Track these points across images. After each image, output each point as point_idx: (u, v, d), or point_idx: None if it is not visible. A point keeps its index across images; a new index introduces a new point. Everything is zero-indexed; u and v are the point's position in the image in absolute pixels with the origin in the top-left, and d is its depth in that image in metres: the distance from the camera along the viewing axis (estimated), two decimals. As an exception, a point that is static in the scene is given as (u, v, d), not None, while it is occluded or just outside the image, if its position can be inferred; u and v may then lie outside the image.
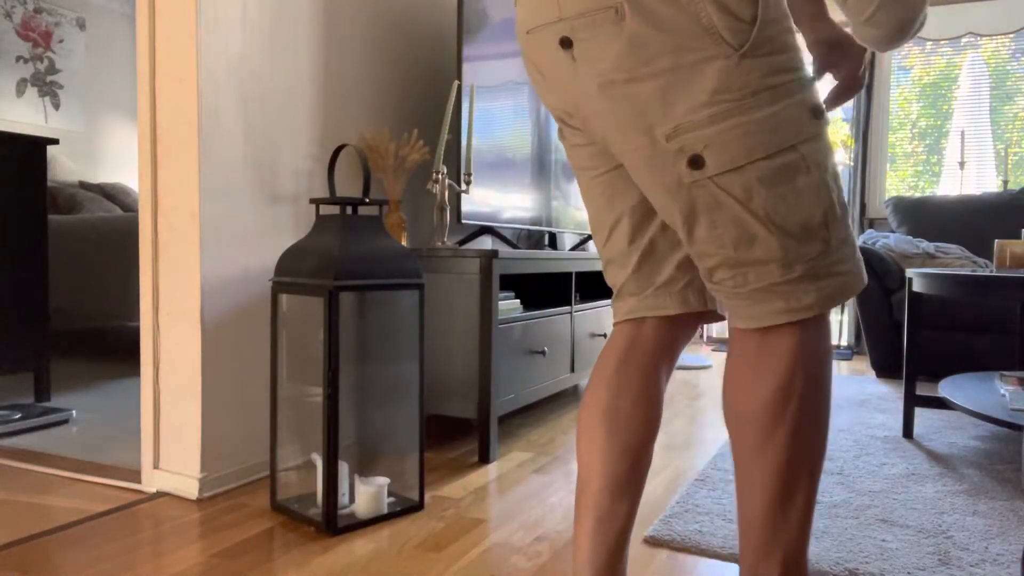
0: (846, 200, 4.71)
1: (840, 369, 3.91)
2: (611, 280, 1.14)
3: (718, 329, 4.88)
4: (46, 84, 4.44)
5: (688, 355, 4.08)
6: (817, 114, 0.93)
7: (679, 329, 1.12)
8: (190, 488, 1.75)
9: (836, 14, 4.45)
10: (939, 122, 4.44)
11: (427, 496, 1.80)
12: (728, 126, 0.90)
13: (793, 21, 1.10)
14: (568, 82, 0.98)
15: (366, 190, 1.64)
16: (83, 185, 4.33)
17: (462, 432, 2.45)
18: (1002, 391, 2.28)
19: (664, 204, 0.99)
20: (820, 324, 0.98)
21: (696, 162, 0.92)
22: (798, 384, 0.96)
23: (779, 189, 0.92)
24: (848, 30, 1.10)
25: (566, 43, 0.96)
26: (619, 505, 1.07)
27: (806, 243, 0.93)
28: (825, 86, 4.33)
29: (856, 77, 1.12)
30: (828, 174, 0.94)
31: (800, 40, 1.00)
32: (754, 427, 0.98)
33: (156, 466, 1.81)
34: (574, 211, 3.23)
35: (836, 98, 1.13)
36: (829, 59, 1.13)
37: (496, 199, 2.60)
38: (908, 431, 2.42)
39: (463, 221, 2.40)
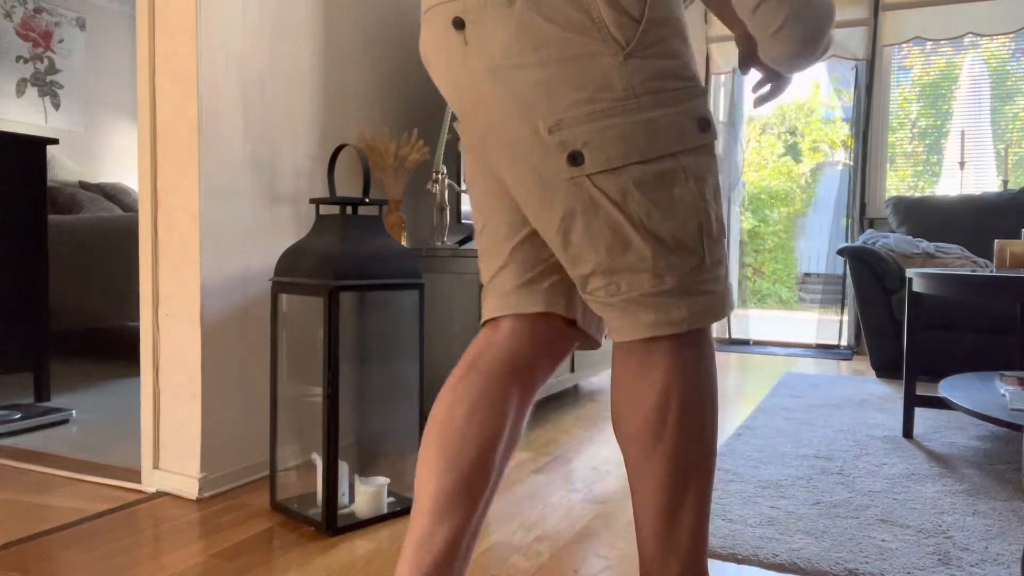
0: (848, 200, 4.61)
1: (840, 369, 3.91)
2: (482, 274, 1.09)
3: (717, 329, 4.88)
4: (46, 84, 4.44)
5: (688, 355, 4.07)
6: (704, 127, 0.92)
7: (541, 339, 1.04)
8: (190, 488, 1.75)
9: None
10: (939, 122, 4.44)
11: (427, 496, 1.80)
12: (608, 125, 0.88)
13: (722, 17, 1.15)
14: (459, 65, 0.95)
15: (366, 190, 1.64)
16: (83, 185, 4.33)
17: (462, 432, 2.45)
18: (1002, 391, 2.28)
19: (540, 205, 0.95)
20: (698, 340, 0.96)
21: (575, 159, 0.90)
22: (675, 402, 0.94)
23: (654, 195, 0.90)
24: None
25: (459, 24, 0.93)
26: (439, 528, 0.94)
27: (679, 254, 0.92)
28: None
29: (780, 80, 1.11)
30: (708, 188, 0.92)
31: (699, 48, 1.00)
32: (635, 444, 0.96)
33: (156, 466, 1.81)
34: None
35: (764, 95, 1.13)
36: (756, 55, 1.13)
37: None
38: (908, 431, 2.42)
39: (463, 221, 2.40)
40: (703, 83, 0.98)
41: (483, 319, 1.07)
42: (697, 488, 0.96)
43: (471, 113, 0.97)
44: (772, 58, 0.93)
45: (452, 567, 0.94)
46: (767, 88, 1.13)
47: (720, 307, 0.95)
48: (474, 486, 0.96)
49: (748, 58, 1.15)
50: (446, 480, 0.95)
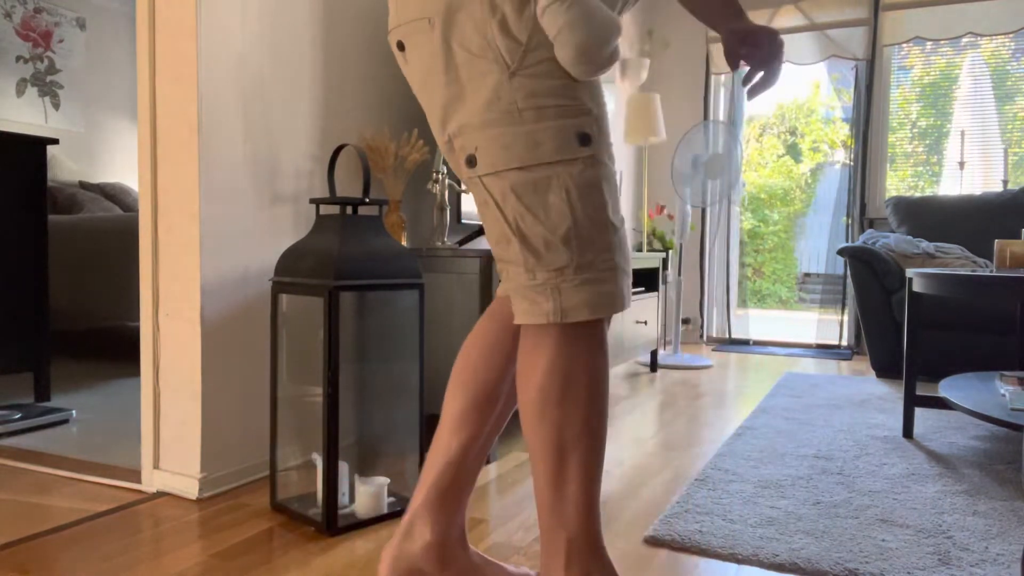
0: (848, 200, 4.62)
1: (840, 369, 3.91)
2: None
3: (717, 329, 4.88)
4: (46, 84, 4.44)
5: (688, 355, 4.08)
6: (584, 141, 1.04)
7: None
8: (190, 488, 1.75)
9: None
10: (939, 122, 4.44)
11: (427, 496, 1.80)
12: (494, 133, 1.03)
13: (700, 18, 1.28)
14: (409, 78, 1.14)
15: (366, 190, 1.64)
16: (83, 185, 4.33)
17: (462, 432, 2.45)
18: (1002, 391, 2.28)
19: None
20: (586, 328, 1.07)
21: (471, 161, 1.06)
22: (556, 382, 1.06)
23: (528, 200, 1.04)
24: (748, 25, 1.22)
25: (400, 46, 1.12)
26: (454, 438, 1.20)
27: (548, 255, 1.04)
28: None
29: (769, 68, 1.20)
30: (581, 196, 1.04)
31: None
32: (525, 418, 1.09)
33: (156, 466, 1.81)
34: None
35: (753, 89, 1.22)
36: (740, 50, 1.22)
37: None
38: (908, 431, 2.42)
39: (463, 221, 2.40)
40: (590, 103, 1.07)
41: (497, 293, 1.27)
42: (579, 462, 1.07)
43: (429, 120, 1.14)
44: (560, 60, 1.03)
45: (463, 467, 1.20)
46: (757, 79, 1.22)
47: (597, 304, 1.05)
48: (483, 407, 1.20)
49: (730, 54, 1.23)
50: (461, 402, 1.20)
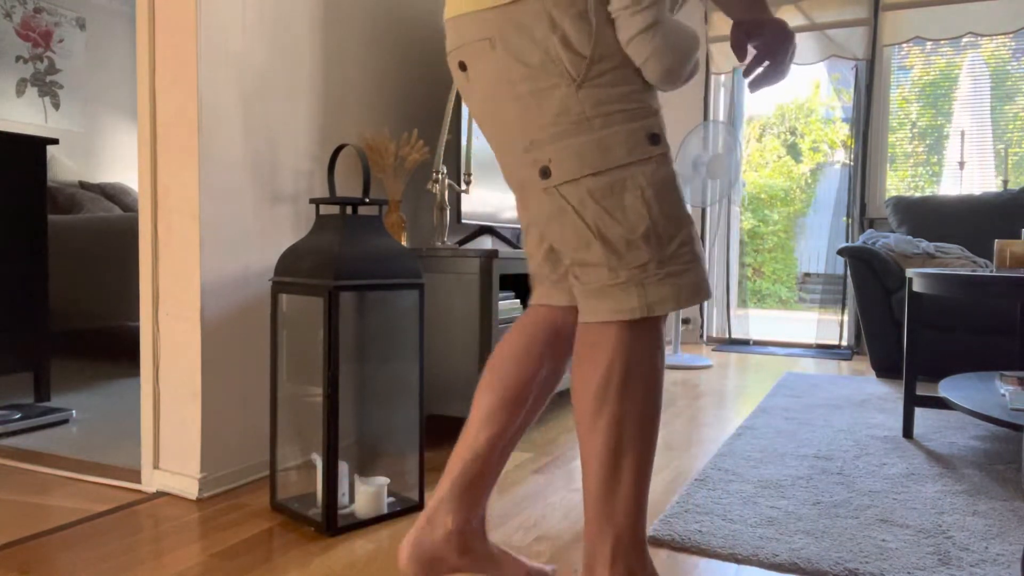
0: (848, 200, 4.63)
1: (840, 369, 3.91)
2: (529, 266, 1.32)
3: (717, 329, 4.88)
4: (46, 84, 4.44)
5: (688, 355, 4.08)
6: (654, 141, 1.09)
7: (568, 321, 1.29)
8: (190, 488, 1.75)
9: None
10: (939, 122, 4.44)
11: (427, 496, 1.80)
12: (566, 144, 1.08)
13: (726, 6, 1.28)
14: (469, 97, 1.19)
15: (366, 190, 1.64)
16: (83, 185, 4.33)
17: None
18: (1002, 391, 2.28)
19: (533, 212, 1.17)
20: (645, 326, 1.11)
21: (545, 172, 1.10)
22: (616, 380, 1.09)
23: (605, 203, 1.08)
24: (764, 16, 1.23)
25: (462, 66, 1.17)
26: (481, 432, 1.25)
27: (630, 253, 1.08)
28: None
29: (774, 61, 1.21)
30: (656, 194, 1.08)
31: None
32: (582, 414, 1.12)
33: (156, 466, 1.81)
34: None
35: (759, 80, 1.23)
36: (748, 42, 1.24)
37: (496, 199, 2.60)
38: (908, 431, 2.42)
39: (463, 221, 2.40)
40: (656, 104, 1.12)
41: (531, 303, 1.33)
42: (634, 460, 1.10)
43: (486, 136, 1.20)
44: (648, 80, 1.10)
45: (489, 461, 1.25)
46: (761, 70, 1.23)
47: (681, 296, 1.09)
48: (511, 406, 1.25)
49: (738, 45, 1.25)
50: (491, 400, 1.25)
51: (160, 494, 1.77)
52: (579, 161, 1.08)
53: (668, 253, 1.09)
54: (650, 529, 1.59)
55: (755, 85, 1.23)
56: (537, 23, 1.07)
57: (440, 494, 1.25)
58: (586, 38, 1.06)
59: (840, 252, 3.65)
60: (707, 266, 1.12)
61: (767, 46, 1.21)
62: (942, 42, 4.34)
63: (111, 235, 3.18)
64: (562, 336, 1.28)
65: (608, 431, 1.10)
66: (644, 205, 1.08)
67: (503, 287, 2.73)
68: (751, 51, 1.28)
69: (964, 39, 4.28)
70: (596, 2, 1.07)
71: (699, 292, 1.11)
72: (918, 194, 4.36)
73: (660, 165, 1.09)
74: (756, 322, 5.14)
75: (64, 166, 4.34)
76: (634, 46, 1.07)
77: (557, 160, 1.09)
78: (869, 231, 3.94)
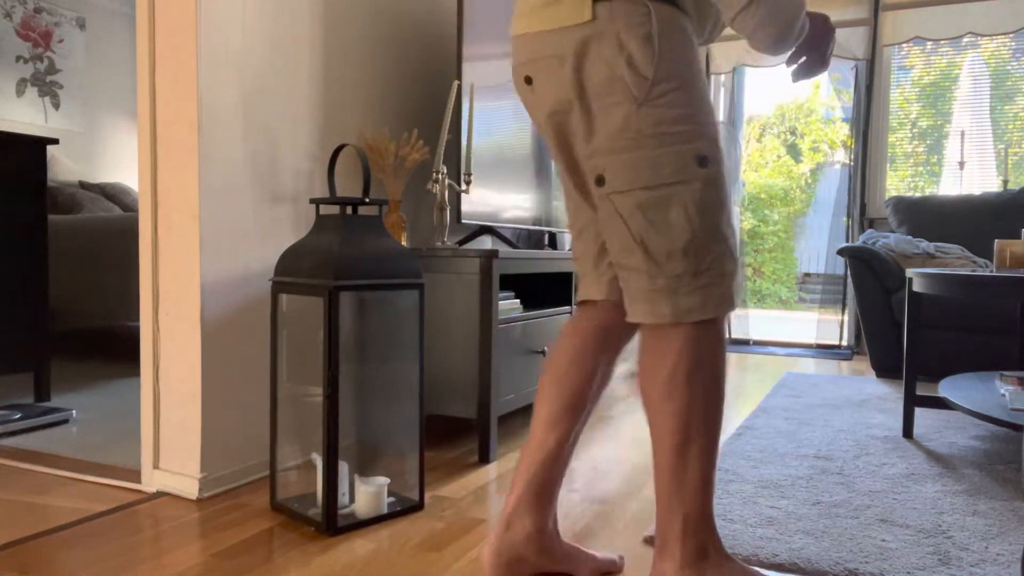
0: (848, 200, 4.62)
1: (840, 369, 3.91)
2: (578, 268, 1.41)
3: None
4: (46, 84, 4.44)
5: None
6: (702, 163, 1.17)
7: (617, 317, 1.36)
8: (190, 488, 1.75)
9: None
10: (939, 122, 4.44)
11: (427, 496, 1.80)
12: (623, 158, 1.17)
13: None
14: (533, 109, 1.29)
15: (366, 190, 1.64)
16: (83, 185, 4.33)
17: (462, 432, 2.45)
18: (1002, 391, 2.28)
19: (578, 215, 1.34)
20: (706, 328, 1.20)
21: (600, 180, 1.21)
22: (682, 373, 1.19)
23: (651, 215, 1.17)
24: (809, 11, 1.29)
25: (528, 80, 1.26)
26: (550, 435, 1.33)
27: (667, 264, 1.18)
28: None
29: (818, 52, 1.28)
30: (699, 212, 1.17)
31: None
32: (651, 405, 1.22)
33: (156, 466, 1.81)
34: (574, 211, 3.23)
35: (801, 71, 1.31)
36: None
37: (496, 199, 2.60)
38: (908, 431, 2.42)
39: (463, 221, 2.40)
40: (713, 116, 1.21)
41: (578, 300, 1.41)
42: (701, 444, 1.20)
43: (550, 145, 1.31)
44: (756, 50, 1.15)
45: (558, 461, 1.34)
46: (803, 61, 1.30)
47: (707, 307, 1.18)
48: (574, 408, 1.34)
49: None
50: (555, 405, 1.33)
51: (160, 494, 1.77)
52: (632, 175, 1.17)
53: (703, 267, 1.17)
54: (650, 529, 1.59)
55: (797, 75, 1.30)
56: (606, 44, 1.15)
57: (513, 499, 1.32)
58: (649, 61, 1.14)
59: (840, 252, 3.65)
60: (741, 279, 1.19)
61: (809, 39, 1.27)
62: (942, 42, 4.34)
63: (111, 235, 3.18)
64: (612, 334, 1.36)
65: (677, 420, 1.19)
66: (687, 221, 1.16)
67: (503, 287, 2.73)
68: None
69: (964, 39, 4.28)
70: (660, 27, 1.15)
71: (725, 304, 1.19)
72: (918, 194, 4.36)
73: (706, 185, 1.17)
74: (756, 322, 5.14)
75: (64, 166, 4.34)
76: (739, 22, 1.11)
77: (612, 171, 1.19)
78: (869, 231, 3.94)
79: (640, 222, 1.18)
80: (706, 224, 1.17)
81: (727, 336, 4.85)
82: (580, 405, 1.34)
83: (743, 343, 4.80)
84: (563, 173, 1.33)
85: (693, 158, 1.16)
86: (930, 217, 3.98)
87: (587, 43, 1.17)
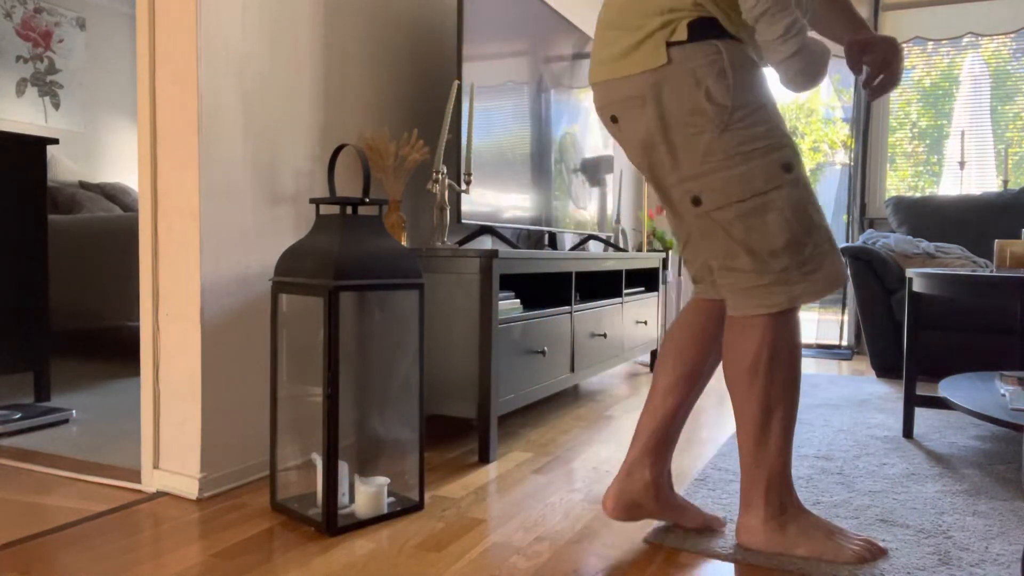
0: (848, 200, 4.63)
1: (840, 369, 3.91)
2: (689, 271, 1.60)
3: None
4: (46, 84, 4.44)
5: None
6: (788, 169, 1.33)
7: (721, 311, 1.56)
8: (190, 488, 1.75)
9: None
10: (939, 122, 4.44)
11: (427, 496, 1.80)
12: (715, 178, 1.33)
13: (832, 32, 1.58)
14: (622, 143, 1.46)
15: (366, 190, 1.64)
16: (83, 185, 4.33)
17: (462, 432, 2.45)
18: (1002, 391, 2.28)
19: (680, 229, 1.51)
20: (785, 316, 1.38)
21: (696, 201, 1.37)
22: (763, 360, 1.38)
23: (751, 222, 1.34)
24: (870, 36, 1.50)
25: (614, 119, 1.43)
26: (668, 399, 1.54)
27: (773, 261, 1.34)
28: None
29: (889, 71, 1.47)
30: (793, 212, 1.33)
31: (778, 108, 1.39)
32: (736, 388, 1.42)
33: (156, 466, 1.81)
34: (574, 211, 3.23)
35: (879, 89, 1.49)
36: (862, 57, 1.48)
37: (496, 199, 2.60)
38: (908, 431, 2.42)
39: (463, 221, 2.40)
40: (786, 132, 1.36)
41: (692, 296, 1.60)
42: (780, 417, 1.40)
43: (641, 171, 1.47)
44: (788, 90, 1.35)
45: (674, 423, 1.55)
46: (879, 81, 1.48)
47: (818, 289, 1.36)
48: (691, 379, 1.54)
49: (853, 61, 1.49)
50: (673, 374, 1.54)
51: (160, 494, 1.77)
52: (726, 192, 1.33)
53: (805, 256, 1.34)
54: (650, 529, 1.59)
55: (875, 94, 1.48)
56: (684, 82, 1.31)
57: (634, 453, 1.54)
58: (725, 91, 1.30)
59: (840, 252, 3.65)
60: (841, 257, 1.42)
61: (883, 61, 1.45)
62: (942, 42, 4.33)
63: (111, 235, 3.18)
64: (717, 315, 1.55)
65: (761, 395, 1.38)
66: (784, 222, 1.32)
67: (503, 287, 2.73)
68: (864, 67, 1.52)
69: (964, 39, 4.28)
70: (731, 60, 1.31)
71: (833, 282, 1.37)
72: (918, 194, 4.36)
73: (794, 187, 1.33)
74: (756, 322, 5.13)
75: (64, 166, 4.34)
76: (783, 68, 1.29)
77: (707, 191, 1.34)
78: (869, 231, 3.94)
79: (741, 229, 1.34)
80: (801, 220, 1.33)
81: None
82: (696, 376, 1.54)
83: (743, 343, 4.80)
84: (659, 195, 1.50)
85: (779, 166, 1.32)
86: (930, 217, 3.98)
87: (662, 83, 1.32)
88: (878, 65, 1.46)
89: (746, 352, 1.39)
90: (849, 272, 3.74)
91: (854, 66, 1.48)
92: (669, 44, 1.31)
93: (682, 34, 1.31)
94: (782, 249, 1.33)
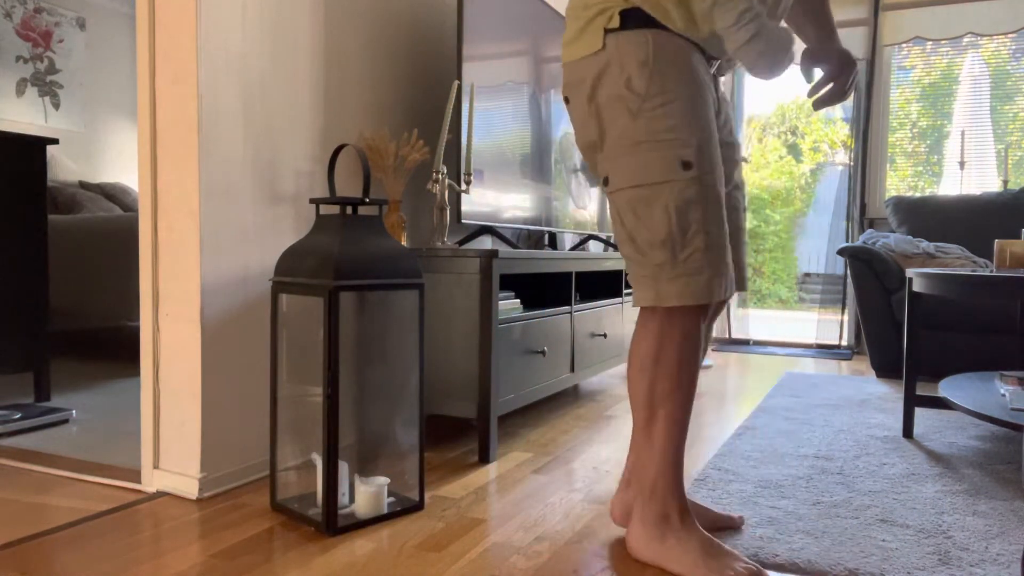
0: (848, 200, 4.62)
1: (840, 369, 3.91)
2: None
3: (718, 329, 4.87)
4: (46, 84, 4.44)
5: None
6: (686, 167, 1.34)
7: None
8: (190, 488, 1.75)
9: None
10: (939, 122, 4.44)
11: (427, 496, 1.80)
12: (622, 161, 1.37)
13: (804, 35, 1.61)
14: (572, 123, 1.50)
15: (366, 190, 1.64)
16: (83, 185, 4.33)
17: (462, 432, 2.45)
18: (1002, 391, 2.28)
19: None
20: (678, 314, 1.38)
21: (606, 181, 1.42)
22: (651, 355, 1.39)
23: (640, 210, 1.36)
24: (836, 47, 1.53)
25: (566, 100, 1.49)
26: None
27: (651, 253, 1.36)
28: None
29: (840, 84, 1.49)
30: (677, 209, 1.34)
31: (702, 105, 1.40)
32: (630, 377, 1.44)
33: (156, 466, 1.81)
34: (574, 211, 3.23)
35: (824, 100, 1.51)
36: (815, 66, 1.52)
37: (496, 199, 2.60)
38: (908, 431, 2.42)
39: (463, 221, 2.40)
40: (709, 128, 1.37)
41: None
42: (665, 417, 1.39)
43: (580, 149, 1.51)
44: (752, 75, 1.36)
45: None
46: (826, 91, 1.51)
47: (685, 294, 1.34)
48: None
49: (806, 69, 1.52)
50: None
51: (160, 494, 1.77)
52: (627, 176, 1.36)
53: (682, 258, 1.34)
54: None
55: (819, 104, 1.50)
56: (613, 68, 1.36)
57: (631, 460, 1.55)
58: (644, 81, 1.34)
59: (840, 252, 3.65)
60: (728, 274, 1.39)
61: (835, 71, 1.48)
62: (942, 42, 4.33)
63: (111, 235, 3.18)
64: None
65: (647, 392, 1.40)
66: (667, 217, 1.33)
67: (503, 287, 2.73)
68: (816, 73, 1.54)
69: (964, 39, 4.28)
70: (655, 51, 1.34)
71: (700, 294, 1.34)
72: (918, 194, 4.36)
73: (688, 186, 1.33)
74: (756, 322, 5.14)
75: (64, 166, 4.34)
76: (742, 53, 1.32)
77: (613, 173, 1.39)
78: (869, 231, 3.94)
79: (630, 216, 1.37)
80: (682, 220, 1.34)
81: (727, 336, 4.85)
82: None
83: (743, 343, 4.80)
84: (591, 170, 1.54)
85: (678, 162, 1.33)
86: (930, 217, 3.98)
87: (598, 68, 1.37)
88: (829, 76, 1.50)
89: (638, 344, 1.41)
90: (849, 272, 3.74)
91: (806, 72, 1.52)
92: (606, 31, 1.36)
93: (616, 22, 1.36)
94: (660, 244, 1.34)
